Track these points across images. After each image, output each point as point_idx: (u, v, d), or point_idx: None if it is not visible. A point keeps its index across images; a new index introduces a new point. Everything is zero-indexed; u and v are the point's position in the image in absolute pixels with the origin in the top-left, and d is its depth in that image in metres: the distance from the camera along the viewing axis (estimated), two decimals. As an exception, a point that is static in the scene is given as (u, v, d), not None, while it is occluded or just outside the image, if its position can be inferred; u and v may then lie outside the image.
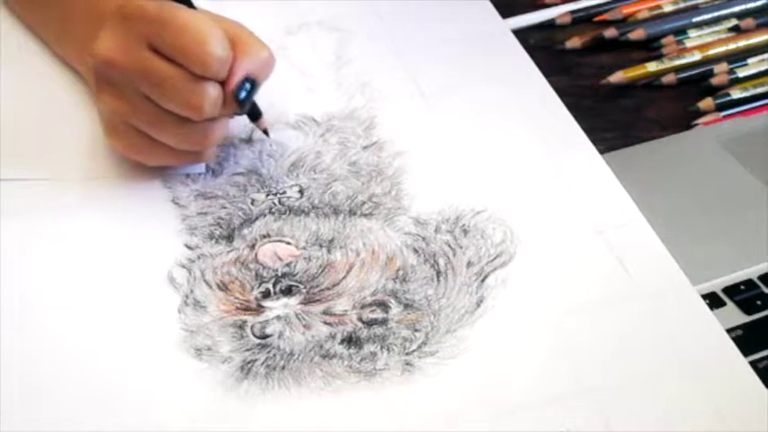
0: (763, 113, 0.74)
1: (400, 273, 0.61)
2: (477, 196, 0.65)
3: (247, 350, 0.57)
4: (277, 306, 0.59)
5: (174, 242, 0.63)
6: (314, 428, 0.54)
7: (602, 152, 0.68)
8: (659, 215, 0.64)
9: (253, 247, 0.62)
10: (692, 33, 0.81)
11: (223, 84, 0.61)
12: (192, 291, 0.60)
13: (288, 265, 0.61)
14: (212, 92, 0.61)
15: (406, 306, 0.59)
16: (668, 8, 0.83)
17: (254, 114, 0.66)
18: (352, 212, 0.64)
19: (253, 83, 0.62)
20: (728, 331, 0.58)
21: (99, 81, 0.63)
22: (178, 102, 0.61)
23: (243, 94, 0.62)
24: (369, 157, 0.68)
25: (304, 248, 0.62)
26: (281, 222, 0.64)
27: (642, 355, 0.57)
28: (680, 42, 0.80)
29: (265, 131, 0.67)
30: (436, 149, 0.69)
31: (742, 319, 0.60)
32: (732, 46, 0.79)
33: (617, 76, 0.77)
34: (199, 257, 0.62)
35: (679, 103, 0.76)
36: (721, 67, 0.78)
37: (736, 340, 0.58)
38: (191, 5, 0.63)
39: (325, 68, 0.74)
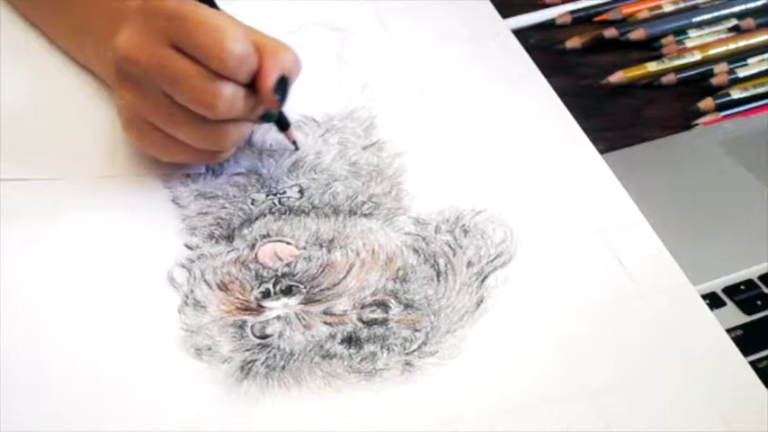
0: (763, 113, 0.74)
1: (400, 273, 0.61)
2: (477, 196, 0.65)
3: (247, 350, 0.57)
4: (277, 306, 0.59)
5: (174, 242, 0.63)
6: (314, 428, 0.54)
7: (602, 152, 0.68)
8: (659, 215, 0.64)
9: (253, 247, 0.62)
10: (692, 33, 0.80)
11: (248, 85, 0.61)
12: (191, 291, 0.60)
13: (288, 265, 0.61)
14: (227, 91, 0.61)
15: (406, 306, 0.59)
16: (668, 8, 0.83)
17: (284, 124, 0.66)
18: (352, 212, 0.65)
19: (286, 82, 0.62)
20: (728, 331, 0.58)
21: (119, 76, 0.63)
22: (192, 99, 0.61)
23: (279, 94, 0.62)
24: (369, 157, 0.68)
25: (304, 248, 0.62)
26: (281, 222, 0.64)
27: (642, 355, 0.57)
28: (680, 42, 0.80)
29: (294, 143, 0.67)
30: (436, 149, 0.69)
31: (742, 319, 0.60)
32: (732, 46, 0.79)
33: (617, 76, 0.77)
34: (199, 257, 0.62)
35: (679, 103, 0.76)
36: (721, 67, 0.78)
37: (736, 340, 0.58)
38: (213, 5, 0.64)
39: (325, 68, 0.74)
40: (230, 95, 0.61)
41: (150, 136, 0.64)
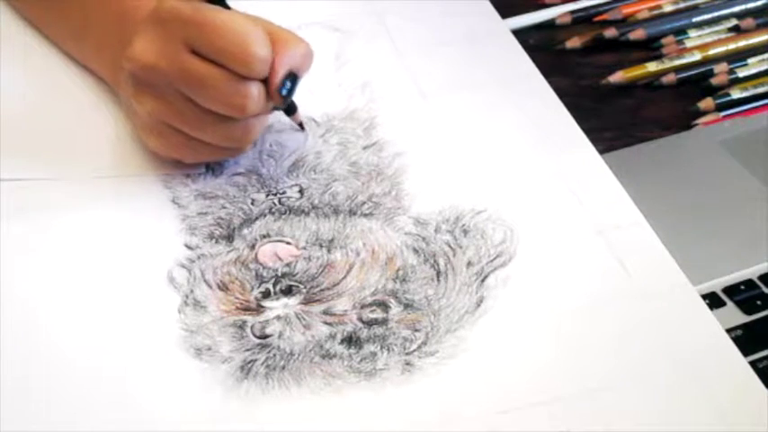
0: (763, 113, 0.74)
1: (400, 273, 0.61)
2: (477, 196, 0.65)
3: (247, 350, 0.57)
4: (277, 306, 0.59)
5: (174, 242, 0.63)
6: (314, 428, 0.54)
7: (602, 152, 0.68)
8: (659, 215, 0.64)
9: (253, 247, 0.62)
10: (692, 33, 0.80)
11: (264, 81, 0.62)
12: (191, 291, 0.60)
13: (288, 265, 0.61)
14: (255, 91, 0.61)
15: (406, 306, 0.59)
16: (668, 8, 0.83)
17: (291, 109, 0.66)
18: (352, 212, 0.65)
19: (294, 78, 0.63)
20: (728, 331, 0.58)
21: (138, 85, 0.63)
22: (221, 102, 0.61)
23: (285, 91, 0.62)
24: (369, 157, 0.68)
25: (304, 248, 0.62)
26: (281, 222, 0.64)
27: (642, 356, 0.57)
28: (680, 42, 0.80)
29: (301, 125, 0.68)
30: (436, 149, 0.69)
31: (742, 319, 0.60)
32: (732, 46, 0.79)
33: (617, 76, 0.77)
34: (199, 257, 0.62)
35: (679, 103, 0.76)
36: (721, 67, 0.78)
37: (736, 340, 0.58)
38: (225, 6, 0.64)
39: (325, 68, 0.74)
40: (257, 95, 0.61)
41: (174, 141, 0.64)
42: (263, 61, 0.61)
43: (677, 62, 0.78)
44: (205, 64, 0.61)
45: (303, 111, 0.70)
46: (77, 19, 0.70)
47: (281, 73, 0.62)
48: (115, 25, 0.65)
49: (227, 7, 0.64)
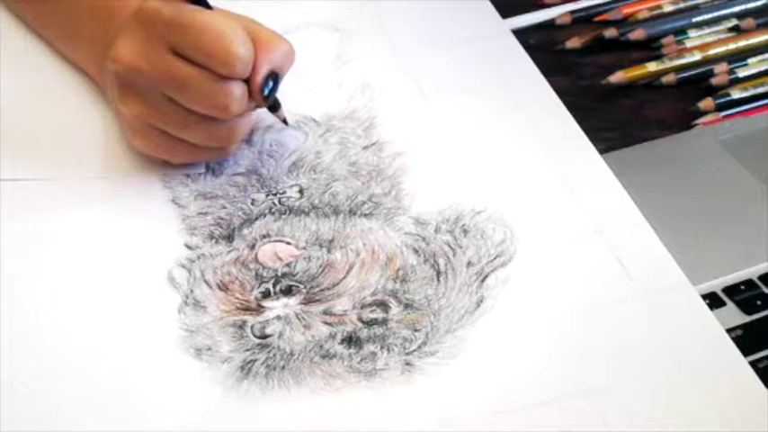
0: (763, 113, 0.74)
1: (400, 273, 0.61)
2: (477, 196, 0.65)
3: (247, 350, 0.57)
4: (277, 306, 0.59)
5: (174, 242, 0.63)
6: (314, 428, 0.54)
7: (602, 152, 0.68)
8: (659, 215, 0.64)
9: (253, 247, 0.62)
10: (692, 33, 0.80)
11: (247, 81, 0.62)
12: (191, 291, 0.60)
13: (288, 265, 0.61)
14: (237, 91, 0.61)
15: (406, 306, 0.59)
16: (668, 8, 0.83)
17: (274, 106, 0.66)
18: (352, 212, 0.65)
19: (276, 77, 0.63)
20: (728, 331, 0.58)
21: (122, 86, 0.63)
22: (204, 103, 0.61)
23: (267, 90, 0.62)
24: (369, 157, 0.68)
25: (304, 248, 0.62)
26: (281, 222, 0.64)
27: (642, 356, 0.57)
28: (680, 42, 0.80)
29: (284, 121, 0.68)
30: (436, 149, 0.69)
31: (742, 319, 0.60)
32: (732, 46, 0.79)
33: (617, 76, 0.77)
34: (199, 257, 0.62)
35: (679, 103, 0.76)
36: (721, 67, 0.78)
37: (736, 340, 0.58)
38: (207, 6, 0.64)
39: (325, 68, 0.74)
40: (240, 95, 0.61)
41: (160, 142, 0.64)
42: (244, 61, 0.61)
43: (677, 62, 0.78)
44: (187, 65, 0.61)
45: (303, 110, 0.70)
46: (69, 20, 0.70)
47: (262, 73, 0.62)
48: (102, 26, 0.65)
49: (209, 7, 0.64)
